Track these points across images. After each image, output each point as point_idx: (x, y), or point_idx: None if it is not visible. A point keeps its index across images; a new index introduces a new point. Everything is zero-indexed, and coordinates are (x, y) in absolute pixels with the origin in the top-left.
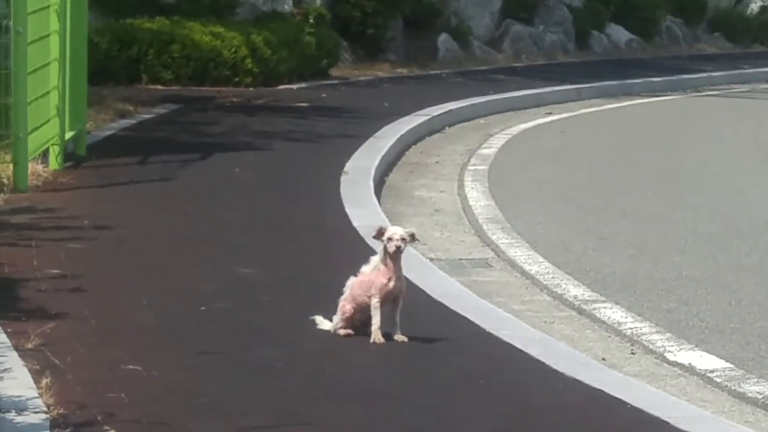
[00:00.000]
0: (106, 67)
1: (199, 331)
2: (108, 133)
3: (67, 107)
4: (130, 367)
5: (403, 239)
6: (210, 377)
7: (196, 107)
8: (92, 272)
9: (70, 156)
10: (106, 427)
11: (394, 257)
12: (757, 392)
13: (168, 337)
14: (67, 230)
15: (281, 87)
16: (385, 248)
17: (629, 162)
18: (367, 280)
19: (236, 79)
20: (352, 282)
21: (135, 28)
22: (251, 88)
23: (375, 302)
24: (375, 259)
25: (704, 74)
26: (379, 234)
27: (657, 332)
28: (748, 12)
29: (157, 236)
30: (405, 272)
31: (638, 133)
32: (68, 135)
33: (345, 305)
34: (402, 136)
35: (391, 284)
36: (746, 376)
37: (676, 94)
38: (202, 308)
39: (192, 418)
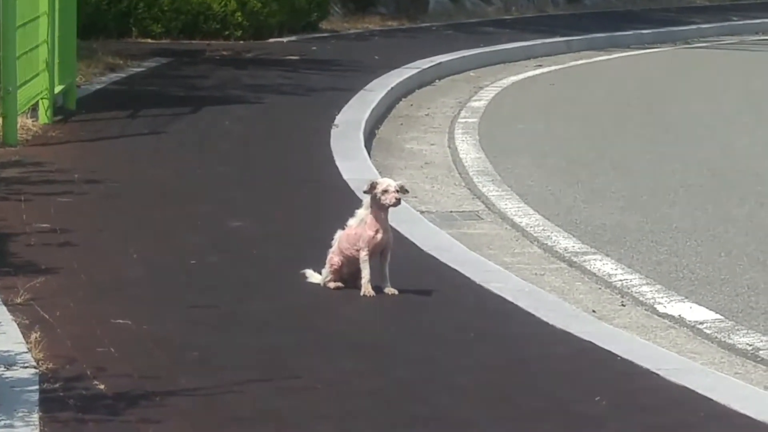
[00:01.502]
0: (96, 21)
1: (189, 285)
2: (98, 86)
3: (56, 61)
4: (120, 321)
5: (400, 190)
6: (200, 331)
7: (186, 61)
8: (82, 226)
9: (60, 110)
10: (96, 382)
11: (385, 210)
12: (747, 343)
13: (158, 291)
14: (57, 184)
15: (271, 40)
16: (378, 200)
17: (619, 114)
18: (354, 233)
19: (226, 33)
20: (339, 235)
21: None
22: (241, 42)
23: (363, 255)
24: (360, 212)
25: (694, 26)
26: (372, 188)
27: (647, 284)
28: None
29: (146, 190)
30: (395, 225)
31: (628, 86)
32: (57, 89)
33: (333, 258)
34: (392, 88)
35: (379, 236)
36: (736, 327)
37: (665, 46)
38: (192, 262)
39: (182, 373)
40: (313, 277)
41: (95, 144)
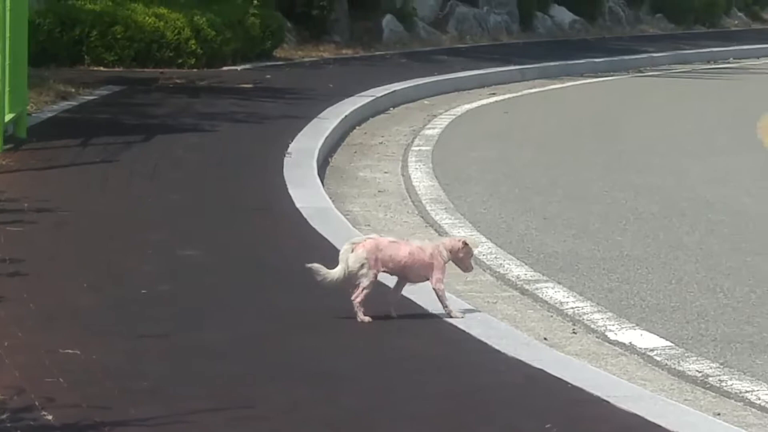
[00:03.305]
0: (48, 49)
1: (141, 314)
2: (49, 114)
3: (6, 89)
4: (69, 351)
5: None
6: (151, 361)
7: (140, 89)
8: (32, 256)
9: (10, 138)
10: (44, 413)
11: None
12: (697, 370)
13: (108, 320)
14: (7, 213)
15: (225, 68)
16: (461, 260)
17: (572, 142)
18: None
19: (180, 61)
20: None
21: (77, 9)
22: (195, 70)
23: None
24: (430, 245)
25: (646, 55)
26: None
27: (598, 311)
28: None
29: (98, 219)
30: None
31: (581, 114)
32: (8, 117)
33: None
34: (346, 116)
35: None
36: (686, 354)
37: (618, 74)
38: (143, 291)
39: (132, 403)
40: (322, 270)
41: (46, 172)
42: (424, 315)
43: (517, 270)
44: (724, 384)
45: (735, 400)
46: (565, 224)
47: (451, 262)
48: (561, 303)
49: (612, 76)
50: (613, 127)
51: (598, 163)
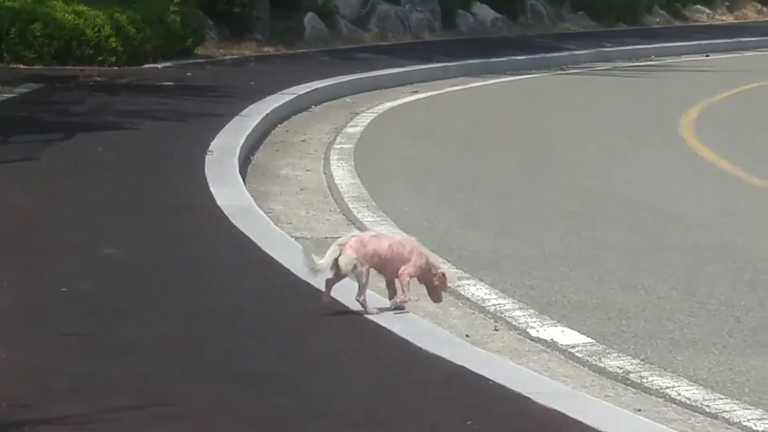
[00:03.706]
0: None
1: (61, 312)
2: None
3: None
4: None
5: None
6: (72, 359)
7: (60, 86)
8: None
9: None
10: None
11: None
12: (617, 367)
13: (28, 319)
14: None
15: (146, 66)
16: (432, 282)
17: (495, 140)
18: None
19: (100, 58)
20: (410, 246)
21: None
22: (115, 67)
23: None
24: (408, 243)
25: (568, 53)
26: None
27: (520, 308)
28: None
29: (18, 217)
30: (269, 251)
31: (504, 111)
32: None
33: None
34: (268, 114)
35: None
36: (607, 351)
37: (540, 72)
38: (64, 289)
39: (53, 401)
40: (312, 259)
41: None
42: (345, 312)
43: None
44: (644, 380)
45: (656, 396)
46: (488, 222)
47: (422, 284)
48: (483, 300)
49: (534, 73)
50: (535, 125)
51: (521, 161)
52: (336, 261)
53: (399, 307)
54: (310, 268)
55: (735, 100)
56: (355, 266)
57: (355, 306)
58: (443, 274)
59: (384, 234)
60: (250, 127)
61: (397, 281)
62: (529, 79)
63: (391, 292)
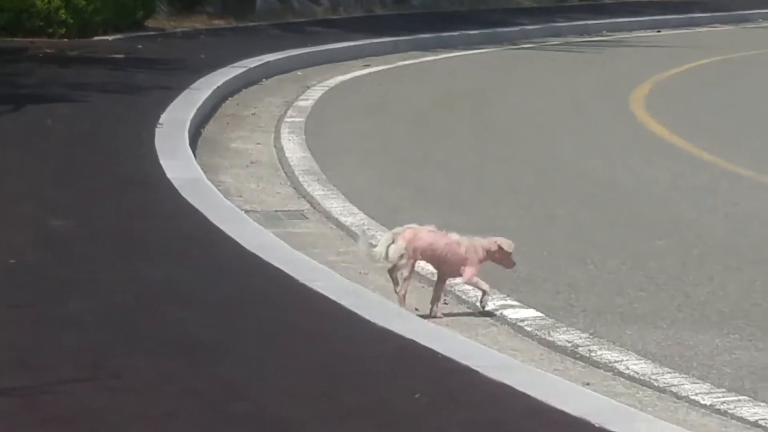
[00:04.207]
0: None
1: (8, 284)
2: None
3: None
4: None
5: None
6: (19, 331)
7: (8, 59)
8: None
9: None
10: None
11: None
12: (566, 340)
13: None
14: None
15: (96, 38)
16: (497, 258)
17: (446, 114)
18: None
19: (50, 30)
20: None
21: None
22: (65, 40)
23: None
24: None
25: (519, 27)
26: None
27: None
28: None
29: None
30: (219, 224)
31: (455, 86)
32: None
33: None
34: (218, 87)
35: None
36: (556, 325)
37: (492, 47)
38: (12, 261)
39: (0, 374)
40: (368, 246)
41: None
42: (293, 285)
43: None
44: (593, 354)
45: (604, 370)
46: (439, 196)
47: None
48: (433, 274)
49: (486, 48)
50: (486, 100)
51: (472, 136)
52: (387, 249)
53: (485, 310)
54: (367, 255)
55: (686, 76)
56: (401, 256)
57: (305, 280)
58: (499, 247)
59: (441, 231)
60: (201, 101)
61: (468, 284)
62: (481, 53)
63: (437, 292)
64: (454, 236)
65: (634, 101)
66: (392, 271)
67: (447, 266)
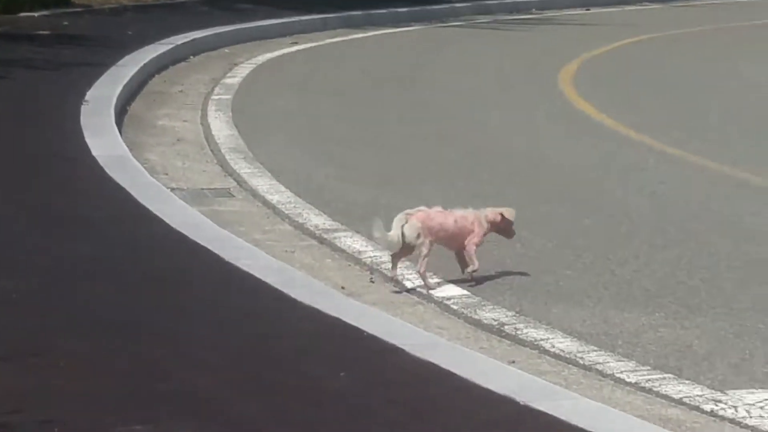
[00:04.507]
0: None
1: None
2: None
3: None
4: None
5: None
6: None
7: None
8: None
9: None
10: None
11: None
12: (492, 319)
13: None
14: None
15: (22, 14)
16: (501, 228)
17: (375, 92)
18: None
19: None
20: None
21: None
22: None
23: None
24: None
25: (448, 5)
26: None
27: None
28: None
29: None
30: (144, 202)
31: (384, 64)
32: None
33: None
34: (145, 65)
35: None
36: (482, 303)
37: (421, 24)
38: None
39: None
40: (382, 231)
41: None
42: (219, 263)
43: (315, 219)
44: (519, 332)
45: (530, 348)
46: (366, 174)
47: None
48: (359, 252)
49: (415, 26)
50: (415, 77)
51: (400, 113)
52: (402, 229)
53: (473, 279)
54: (381, 239)
55: (614, 54)
56: (418, 235)
57: (230, 258)
58: (503, 216)
59: (449, 210)
60: (127, 77)
61: (465, 252)
62: (410, 31)
63: (462, 264)
64: (459, 211)
65: (562, 79)
66: (396, 255)
67: (457, 243)
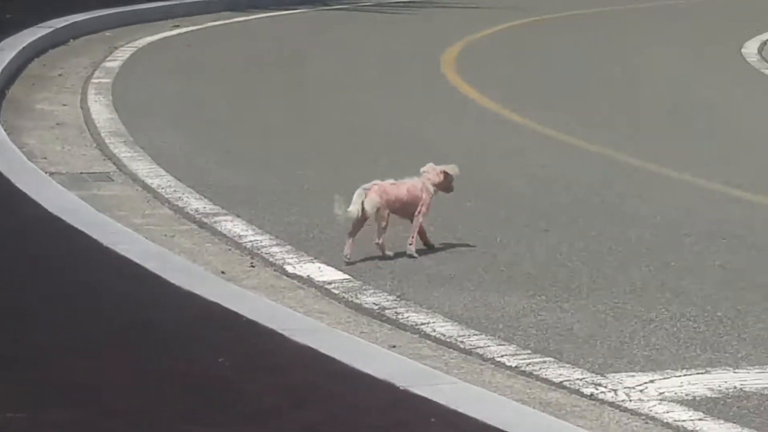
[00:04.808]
0: None
1: None
2: None
3: None
4: None
5: None
6: None
7: None
8: None
9: None
10: None
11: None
12: (373, 303)
13: None
14: None
15: None
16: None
17: (257, 76)
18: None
19: None
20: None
21: None
22: None
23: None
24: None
25: None
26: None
27: (277, 245)
28: None
29: None
30: (21, 187)
31: (267, 47)
32: None
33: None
34: (24, 48)
35: None
36: (363, 287)
37: (305, 7)
38: None
39: None
40: (344, 208)
41: None
42: (97, 248)
43: (196, 203)
44: (400, 316)
45: (411, 333)
46: (247, 158)
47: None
48: (240, 236)
49: (299, 9)
50: (298, 62)
51: (282, 98)
52: (363, 204)
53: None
54: (342, 214)
55: (497, 37)
56: (378, 209)
57: (109, 243)
58: (445, 174)
59: (400, 181)
60: (5, 61)
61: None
62: (293, 14)
63: (418, 229)
64: (408, 181)
65: (445, 63)
66: (356, 225)
67: (409, 212)
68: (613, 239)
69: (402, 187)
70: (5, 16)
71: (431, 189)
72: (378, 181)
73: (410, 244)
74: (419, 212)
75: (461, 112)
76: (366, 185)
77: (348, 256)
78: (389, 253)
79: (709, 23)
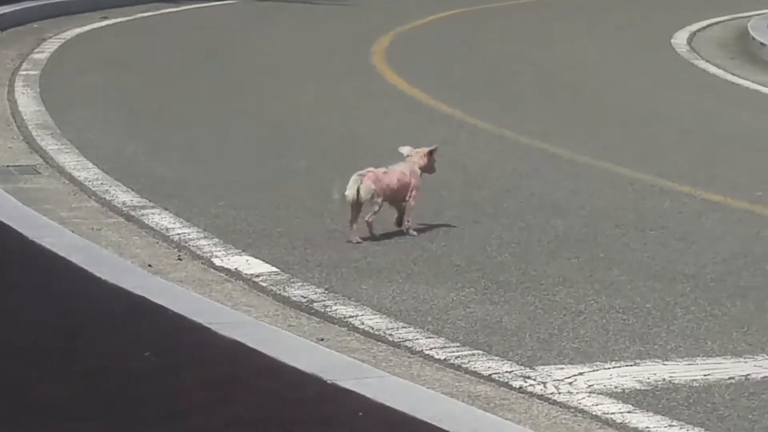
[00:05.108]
0: None
1: None
2: None
3: None
4: None
5: None
6: None
7: None
8: None
9: None
10: None
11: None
12: (301, 296)
13: None
14: None
15: None
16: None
17: (187, 68)
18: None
19: None
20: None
21: None
22: None
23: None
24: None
25: None
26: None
27: (205, 237)
28: None
29: None
30: None
31: (198, 38)
32: None
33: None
34: None
35: None
36: (291, 280)
37: None
38: None
39: None
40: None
41: None
42: (22, 242)
43: (123, 196)
44: (328, 309)
45: (339, 326)
46: (175, 150)
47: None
48: (167, 229)
49: (227, 0)
50: (227, 53)
51: (211, 89)
52: (358, 189)
53: (408, 232)
54: (339, 198)
55: (428, 28)
56: (372, 195)
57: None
58: (430, 154)
59: (390, 169)
60: None
61: (406, 207)
62: (224, 5)
63: (400, 218)
64: (397, 168)
65: (375, 54)
66: (354, 210)
67: (400, 196)
68: (543, 231)
69: (393, 176)
70: None
71: (418, 172)
72: (372, 168)
73: (408, 227)
74: (411, 196)
75: (390, 104)
76: (361, 171)
77: (357, 240)
78: (375, 233)
79: (641, 14)
